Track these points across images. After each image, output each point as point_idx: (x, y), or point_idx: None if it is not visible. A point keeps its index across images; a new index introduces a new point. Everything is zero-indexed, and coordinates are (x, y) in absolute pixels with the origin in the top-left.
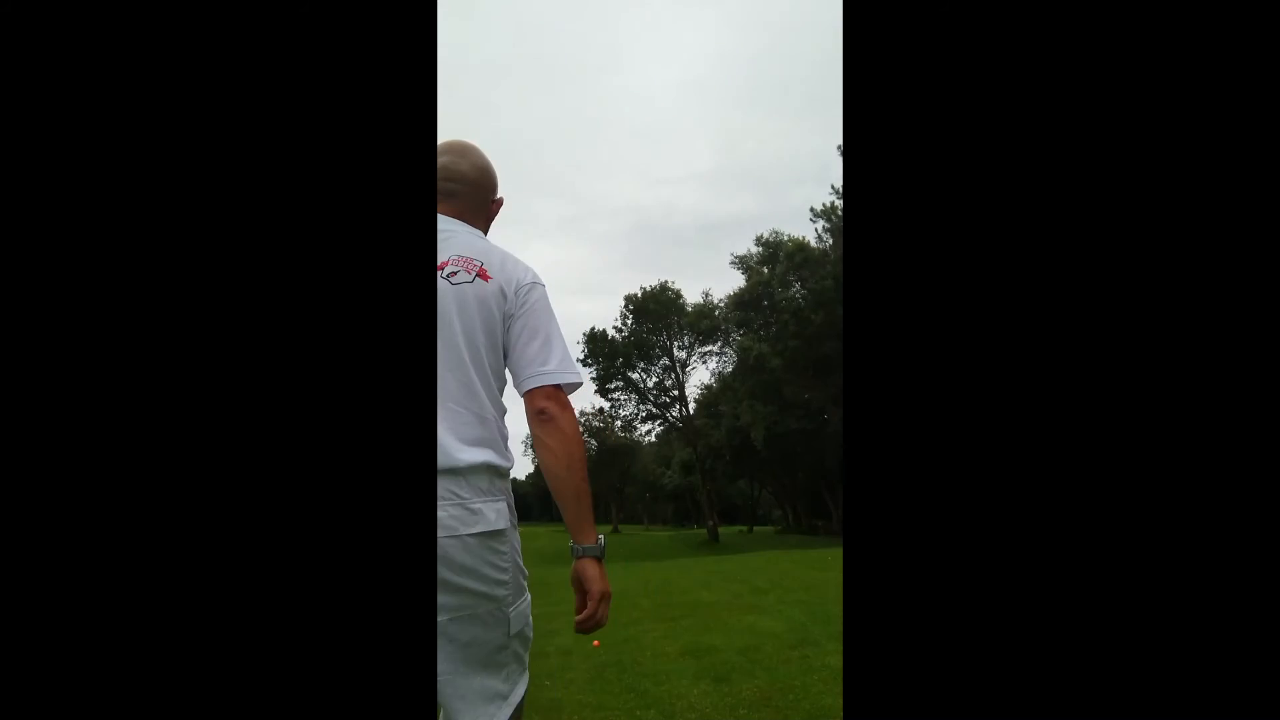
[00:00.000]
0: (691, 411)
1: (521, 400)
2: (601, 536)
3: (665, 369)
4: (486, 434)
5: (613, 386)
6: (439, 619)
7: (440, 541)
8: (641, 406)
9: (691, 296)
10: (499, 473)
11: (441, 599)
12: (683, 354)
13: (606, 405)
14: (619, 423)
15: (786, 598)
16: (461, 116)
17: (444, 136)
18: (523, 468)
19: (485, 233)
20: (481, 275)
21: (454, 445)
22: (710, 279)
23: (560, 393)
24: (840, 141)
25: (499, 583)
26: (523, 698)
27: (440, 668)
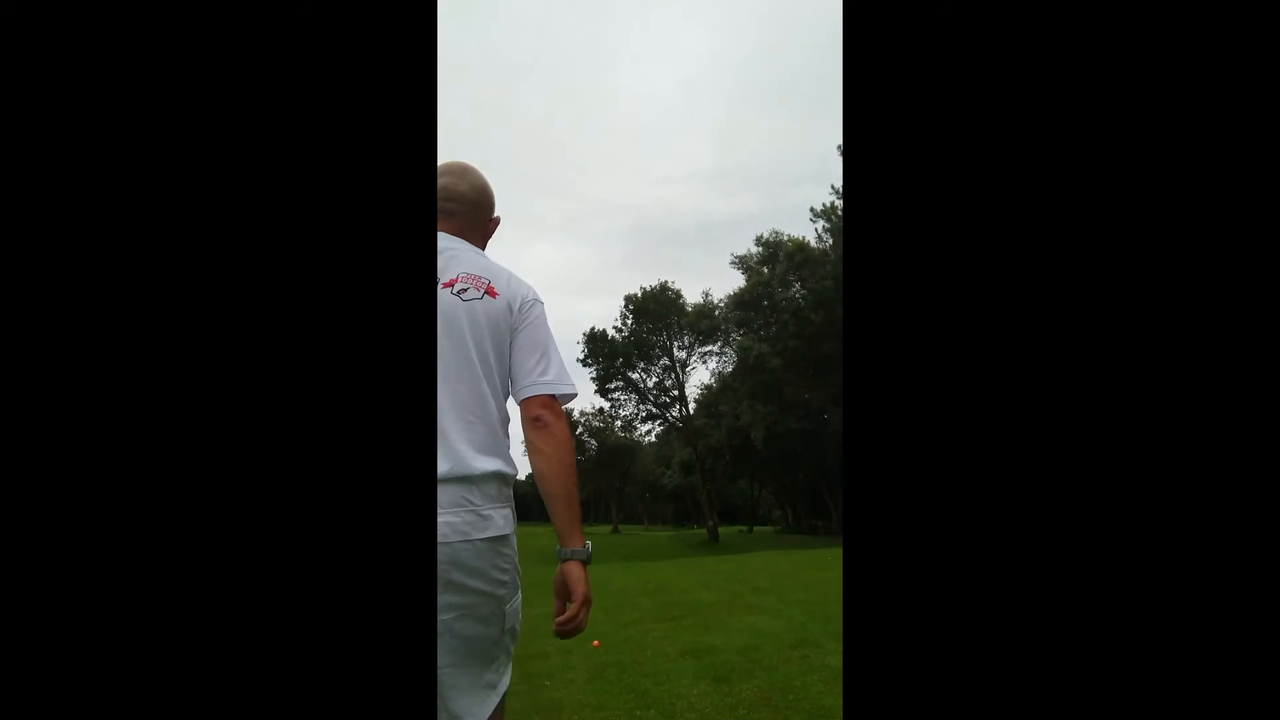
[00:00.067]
0: (691, 411)
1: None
2: (589, 543)
3: (665, 369)
4: (497, 443)
5: (613, 386)
6: (445, 616)
7: (454, 545)
8: (641, 406)
9: (691, 296)
10: (506, 480)
11: (449, 598)
12: (683, 354)
13: (606, 405)
14: (619, 423)
15: (786, 598)
16: (461, 116)
17: (444, 135)
18: (524, 469)
19: (483, 249)
20: (490, 292)
21: (470, 454)
22: (710, 279)
23: (555, 402)
24: (840, 141)
25: (501, 583)
26: (507, 689)
27: (439, 660)
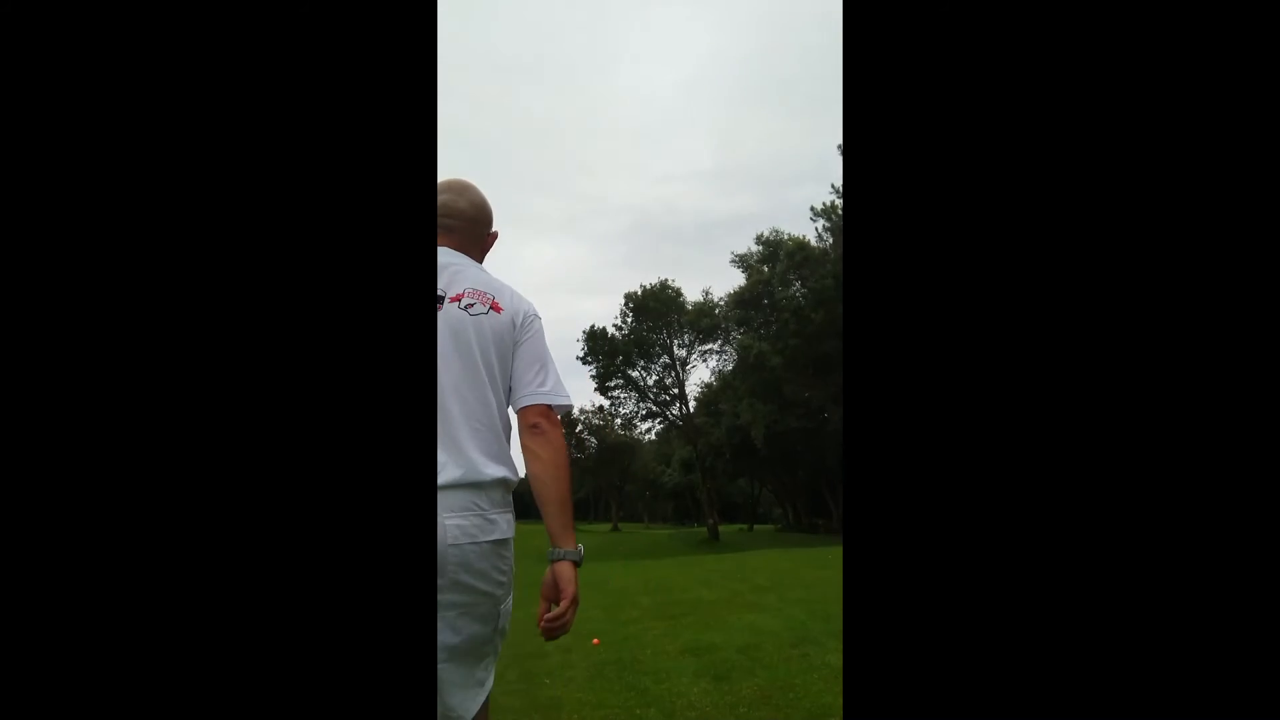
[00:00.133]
0: (691, 410)
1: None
2: (581, 545)
3: (665, 367)
4: (502, 449)
5: (613, 385)
6: (448, 614)
7: (463, 547)
8: (641, 405)
9: (692, 295)
10: (509, 486)
11: (453, 597)
12: (683, 352)
13: (606, 403)
14: (619, 421)
15: (786, 596)
16: (462, 115)
17: (444, 135)
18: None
19: (481, 262)
20: (494, 307)
21: (480, 460)
22: (710, 277)
23: (552, 412)
24: (840, 141)
25: (500, 584)
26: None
27: (438, 657)
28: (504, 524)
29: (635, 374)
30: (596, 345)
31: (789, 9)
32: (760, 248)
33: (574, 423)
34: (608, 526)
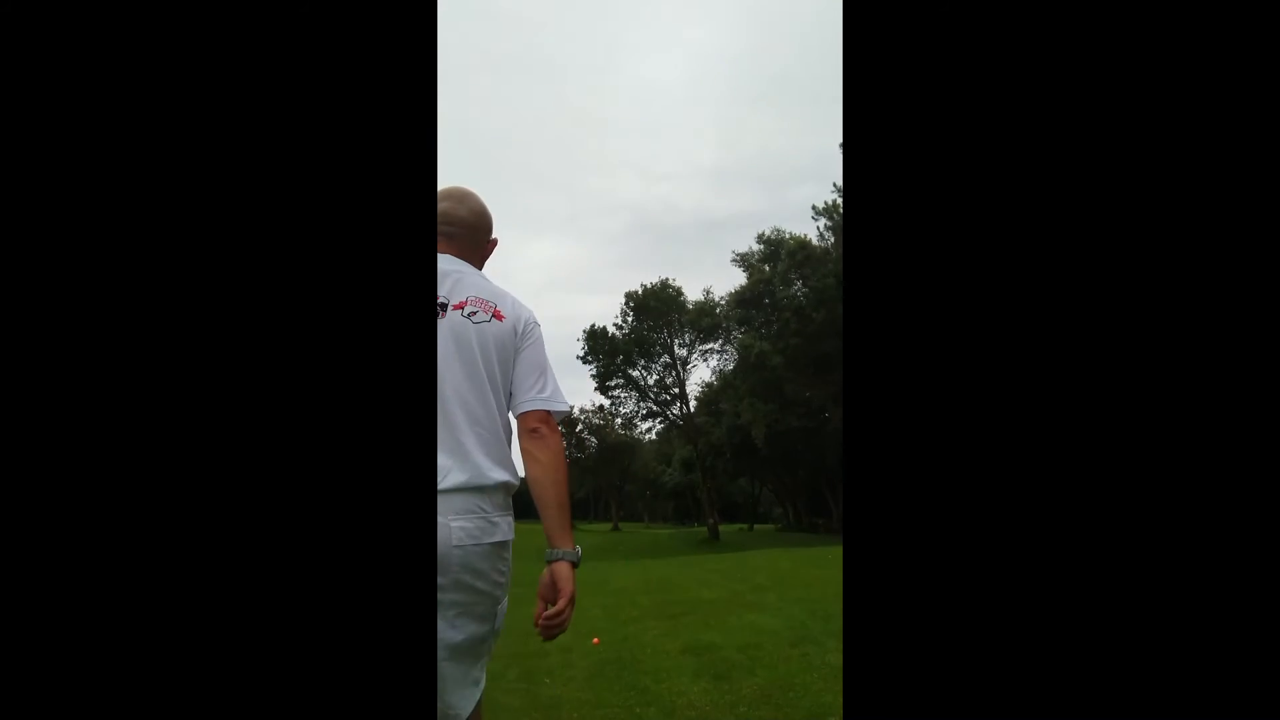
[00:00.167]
0: (692, 409)
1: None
2: (578, 546)
3: (666, 366)
4: (504, 454)
5: (613, 384)
6: (450, 613)
7: (466, 548)
8: (642, 404)
9: (692, 294)
10: (510, 489)
11: (456, 596)
12: (683, 351)
13: (607, 403)
14: (619, 420)
15: (787, 595)
16: (462, 113)
17: (444, 133)
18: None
19: (481, 268)
20: (496, 316)
21: (486, 464)
22: (711, 276)
23: (550, 417)
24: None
25: (499, 584)
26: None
27: (439, 655)
28: (505, 526)
29: (636, 373)
30: (597, 344)
31: (789, 7)
32: (761, 247)
33: (574, 422)
34: (608, 526)
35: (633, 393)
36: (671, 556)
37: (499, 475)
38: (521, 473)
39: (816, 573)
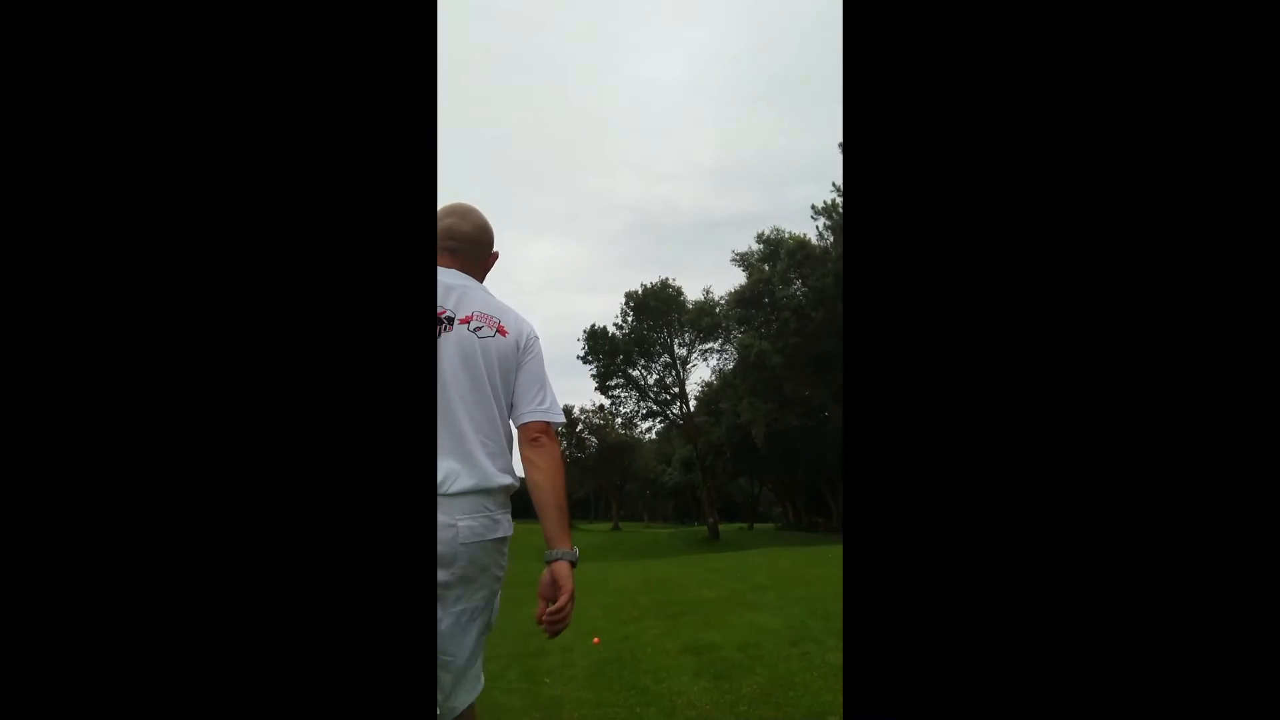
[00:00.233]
0: (692, 409)
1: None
2: (576, 547)
3: (666, 366)
4: (506, 460)
5: (613, 384)
6: (456, 609)
7: (471, 545)
8: (642, 404)
9: (692, 294)
10: (510, 490)
11: (461, 591)
12: (683, 351)
13: (607, 402)
14: (619, 420)
15: (787, 594)
16: (462, 113)
17: (444, 132)
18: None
19: (482, 280)
20: (500, 331)
21: (490, 470)
22: (711, 276)
23: (550, 427)
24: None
25: (498, 578)
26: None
27: (450, 650)
28: (505, 523)
29: (636, 373)
30: (597, 344)
31: (789, 7)
32: (761, 246)
33: (574, 422)
34: (608, 525)
35: (633, 392)
36: (671, 556)
37: (502, 479)
38: (520, 474)
39: (816, 572)
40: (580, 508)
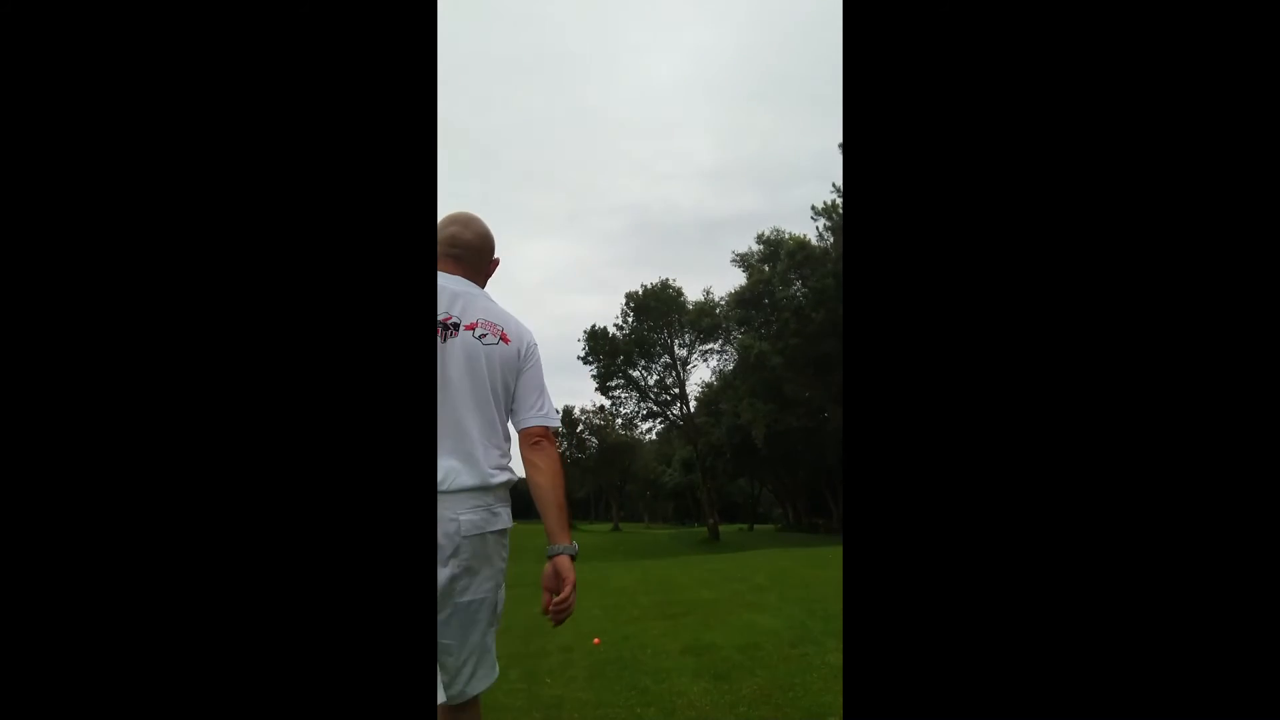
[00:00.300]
0: (692, 409)
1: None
2: (575, 542)
3: (666, 367)
4: (506, 459)
5: (613, 384)
6: (463, 599)
7: (472, 538)
8: (642, 404)
9: (692, 294)
10: (509, 485)
11: (465, 581)
12: (683, 352)
13: (607, 403)
14: (619, 421)
15: (787, 595)
16: (462, 113)
17: (444, 132)
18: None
19: (484, 286)
20: (503, 339)
21: (489, 470)
22: (711, 277)
23: (549, 431)
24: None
25: (500, 569)
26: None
27: (454, 634)
28: (505, 516)
29: (636, 374)
30: (597, 345)
31: (789, 7)
32: (761, 247)
33: (574, 423)
34: (608, 526)
35: (633, 393)
36: (672, 557)
37: (502, 477)
38: (519, 473)
39: (816, 573)
40: (580, 508)
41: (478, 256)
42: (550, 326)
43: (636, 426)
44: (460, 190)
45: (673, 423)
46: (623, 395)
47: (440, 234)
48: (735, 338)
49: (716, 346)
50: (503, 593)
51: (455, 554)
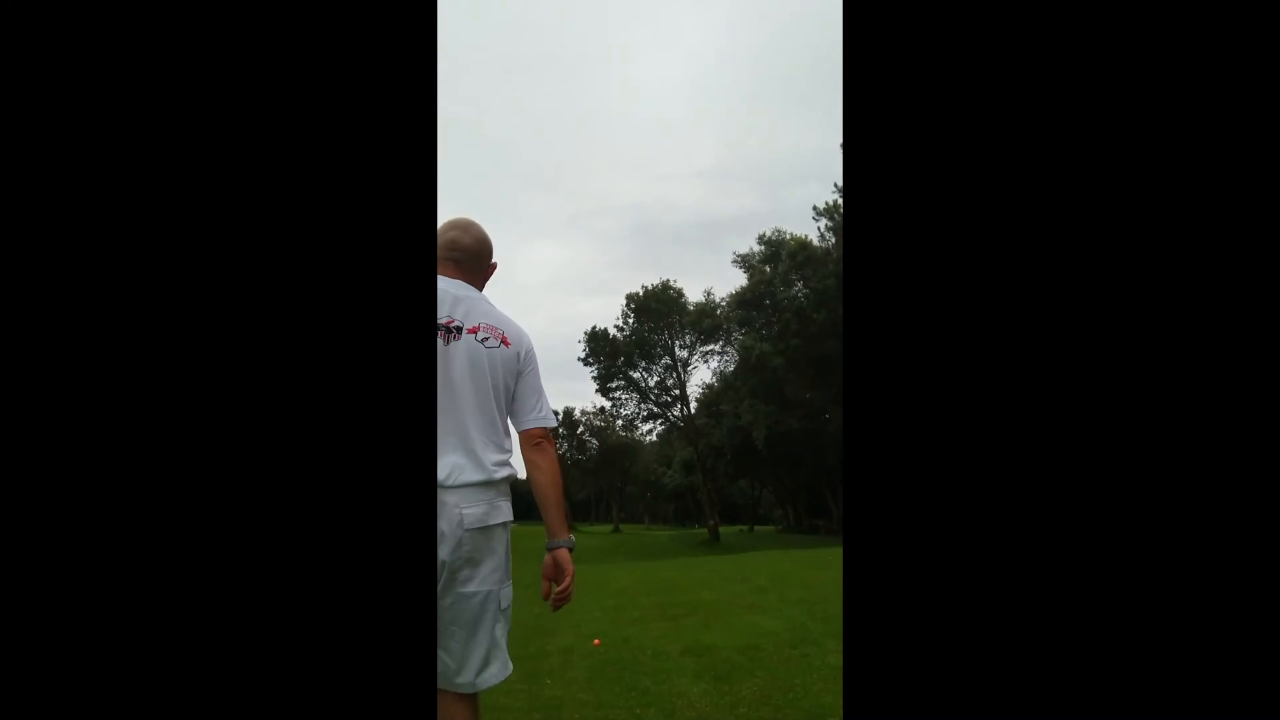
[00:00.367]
0: (693, 411)
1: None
2: (572, 535)
3: (667, 368)
4: (507, 457)
5: (614, 386)
6: (466, 589)
7: (474, 531)
8: (643, 406)
9: (693, 295)
10: (509, 480)
11: (468, 571)
12: (684, 353)
13: (608, 404)
14: (620, 422)
15: (787, 597)
16: (462, 113)
17: (444, 132)
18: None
19: (482, 288)
20: (504, 342)
21: (491, 466)
22: (712, 277)
23: (548, 432)
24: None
25: (503, 562)
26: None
27: (460, 622)
28: (506, 509)
29: (637, 375)
30: (598, 346)
31: (789, 7)
32: (762, 247)
33: (575, 424)
34: (609, 528)
35: (634, 394)
36: (672, 558)
37: (503, 473)
38: (519, 472)
39: (817, 574)
40: (581, 510)
41: (476, 261)
42: (551, 327)
43: (637, 428)
44: (460, 190)
45: (673, 424)
46: (623, 396)
47: (440, 239)
48: (736, 339)
49: (717, 348)
50: (509, 589)
51: (459, 545)
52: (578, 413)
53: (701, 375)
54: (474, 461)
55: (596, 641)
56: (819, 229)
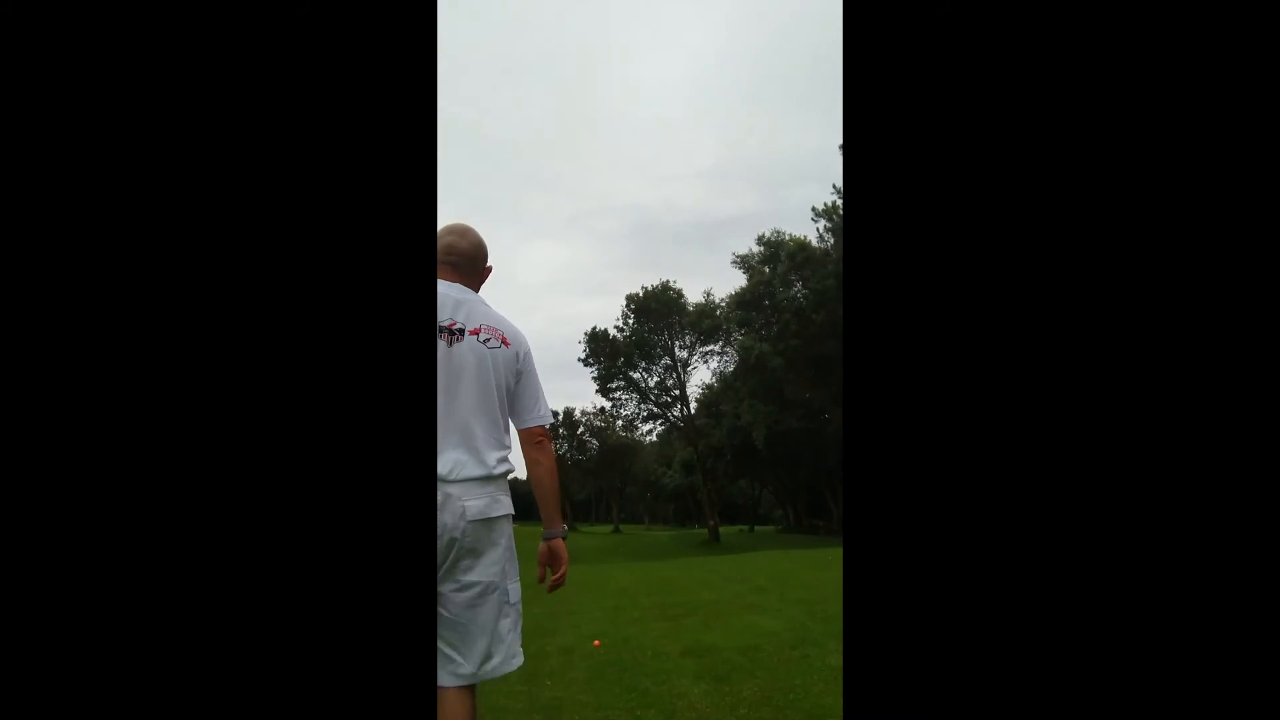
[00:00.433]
0: (693, 411)
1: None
2: (565, 526)
3: (666, 368)
4: (505, 452)
5: (614, 386)
6: (467, 578)
7: (475, 523)
8: (643, 406)
9: (693, 296)
10: (508, 475)
11: (469, 561)
12: (684, 353)
13: (608, 405)
14: (620, 422)
15: (787, 597)
16: (462, 113)
17: (444, 133)
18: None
19: (478, 290)
20: (504, 343)
21: (493, 461)
22: (712, 278)
23: (547, 430)
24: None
25: (506, 554)
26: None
27: (463, 614)
28: (506, 503)
29: (636, 375)
30: (598, 347)
31: (789, 7)
32: (761, 248)
33: (575, 425)
34: (609, 528)
35: (634, 395)
36: (672, 558)
37: (504, 468)
38: (521, 469)
39: (817, 574)
40: (581, 510)
41: (473, 264)
42: (551, 328)
43: (637, 428)
44: (460, 191)
45: (673, 424)
46: (623, 397)
47: (438, 243)
48: (736, 339)
49: (717, 348)
50: (517, 586)
51: (461, 536)
52: (578, 413)
53: (701, 376)
54: (475, 458)
55: (596, 642)
56: (818, 230)
